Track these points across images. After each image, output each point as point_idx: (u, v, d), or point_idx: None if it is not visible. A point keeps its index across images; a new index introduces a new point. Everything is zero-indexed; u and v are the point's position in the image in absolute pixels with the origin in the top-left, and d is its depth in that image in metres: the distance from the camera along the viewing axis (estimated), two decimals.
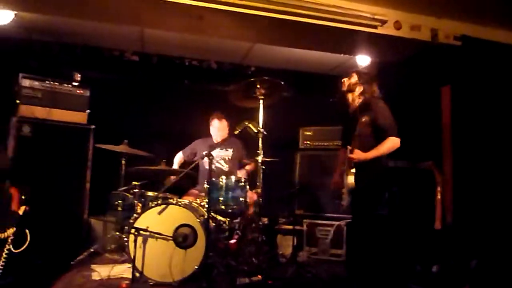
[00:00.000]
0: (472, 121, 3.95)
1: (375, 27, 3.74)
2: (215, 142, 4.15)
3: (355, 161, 2.91)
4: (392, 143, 2.90)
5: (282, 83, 3.44)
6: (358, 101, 3.12)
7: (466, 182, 3.84)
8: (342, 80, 3.24)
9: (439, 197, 3.70)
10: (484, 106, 3.97)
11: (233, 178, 3.53)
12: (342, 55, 4.78)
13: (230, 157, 4.13)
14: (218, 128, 4.15)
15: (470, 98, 3.98)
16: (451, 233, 3.71)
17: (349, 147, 2.97)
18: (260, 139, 3.41)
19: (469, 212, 3.79)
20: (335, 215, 4.24)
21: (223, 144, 4.05)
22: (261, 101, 3.40)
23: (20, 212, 2.79)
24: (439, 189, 3.72)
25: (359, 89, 3.11)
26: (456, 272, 3.41)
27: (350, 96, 3.17)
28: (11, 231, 2.66)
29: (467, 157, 3.89)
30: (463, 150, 3.90)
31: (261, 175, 3.49)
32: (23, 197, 2.86)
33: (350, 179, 2.91)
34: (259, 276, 3.14)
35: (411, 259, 3.63)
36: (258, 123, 3.36)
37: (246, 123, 3.29)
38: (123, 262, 3.46)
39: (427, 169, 3.83)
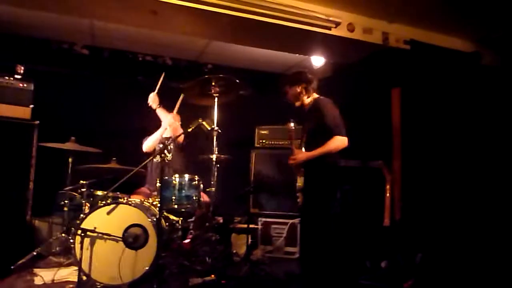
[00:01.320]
0: (420, 122, 4.13)
1: (329, 28, 3.81)
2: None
3: (299, 162, 3.00)
4: (337, 141, 2.94)
5: (238, 81, 3.42)
6: (308, 102, 3.20)
7: (414, 181, 4.01)
8: (285, 95, 3.28)
9: (388, 195, 3.83)
10: (432, 108, 4.17)
11: (186, 176, 3.46)
12: (297, 55, 4.84)
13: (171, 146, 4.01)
14: (168, 123, 4.03)
15: (418, 100, 4.16)
16: (399, 229, 3.86)
17: (293, 147, 3.08)
18: (214, 137, 3.38)
19: (416, 209, 3.96)
20: (289, 213, 4.28)
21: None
22: (216, 99, 3.37)
23: None
24: (388, 187, 3.85)
25: (303, 94, 3.19)
26: (403, 267, 3.55)
27: (298, 103, 3.23)
28: None
29: (415, 156, 4.06)
30: (412, 149, 4.07)
31: (216, 173, 3.46)
32: None
33: (301, 180, 2.95)
34: (213, 276, 3.11)
35: (362, 255, 3.73)
36: (212, 121, 3.32)
37: (200, 120, 3.25)
38: (69, 265, 3.29)
39: (377, 168, 3.96)
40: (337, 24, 3.80)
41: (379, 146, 4.18)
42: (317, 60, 4.77)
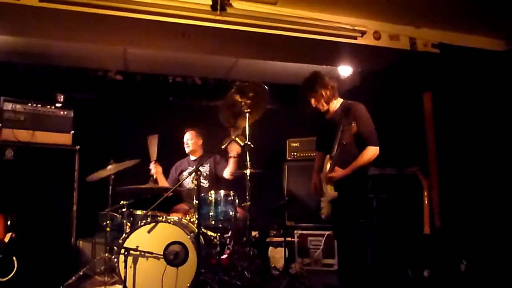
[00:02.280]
0: (454, 125, 4.04)
1: (355, 38, 3.82)
2: (191, 158, 4.20)
3: (336, 179, 2.89)
4: (371, 153, 2.85)
5: (266, 87, 3.42)
6: (335, 106, 3.09)
7: (452, 186, 3.91)
8: (312, 103, 3.14)
9: (426, 202, 3.74)
10: (465, 110, 4.08)
11: (222, 192, 3.52)
12: (324, 66, 4.85)
13: (208, 172, 4.12)
14: (186, 139, 4.20)
15: (451, 103, 4.08)
16: (440, 237, 3.75)
17: (329, 161, 2.93)
18: (247, 152, 3.42)
19: (457, 215, 3.85)
20: (325, 225, 4.25)
21: (202, 159, 4.04)
22: (247, 114, 3.41)
23: (6, 239, 2.73)
24: (425, 193, 3.77)
25: (333, 97, 3.08)
26: (447, 276, 3.44)
27: (325, 107, 3.10)
28: None
29: (451, 160, 3.96)
30: (448, 154, 3.97)
31: (250, 188, 3.49)
32: (8, 223, 2.80)
33: (330, 189, 2.89)
34: None
35: (402, 264, 3.65)
36: (244, 136, 3.37)
37: (233, 137, 3.30)
38: (113, 283, 3.39)
39: (413, 175, 3.88)
40: (363, 33, 3.81)
41: (414, 152, 4.11)
42: (345, 70, 4.77)
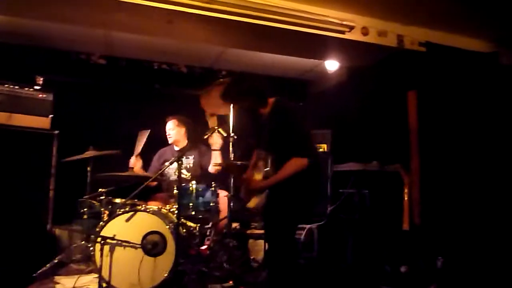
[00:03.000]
0: (437, 124, 4.08)
1: (343, 32, 3.80)
2: (175, 148, 4.10)
3: (252, 191, 2.66)
4: (294, 165, 2.45)
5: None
6: (266, 109, 2.70)
7: (433, 184, 3.96)
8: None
9: (406, 198, 3.78)
10: (449, 109, 4.12)
11: (203, 183, 3.48)
12: (312, 60, 4.83)
13: (191, 165, 4.04)
14: (168, 129, 4.08)
15: (435, 102, 4.11)
16: (418, 233, 3.80)
17: (249, 171, 2.75)
18: (231, 144, 3.39)
19: (436, 213, 3.90)
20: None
21: (186, 150, 3.97)
22: (231, 105, 3.37)
23: None
24: (406, 190, 3.80)
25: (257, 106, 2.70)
26: (424, 272, 3.49)
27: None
28: None
29: (433, 159, 4.01)
30: (430, 152, 4.02)
31: (232, 179, 3.47)
32: None
33: (253, 202, 2.67)
34: (231, 282, 3.11)
35: (381, 260, 3.69)
36: (228, 127, 3.33)
37: (216, 127, 3.26)
38: (89, 272, 3.33)
39: (395, 171, 3.92)
40: (351, 28, 3.79)
41: (396, 149, 4.14)
42: (332, 65, 4.76)
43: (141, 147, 3.97)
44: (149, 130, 4.00)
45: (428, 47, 4.12)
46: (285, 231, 2.52)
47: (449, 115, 4.11)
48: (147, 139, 4.01)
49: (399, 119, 4.17)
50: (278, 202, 2.54)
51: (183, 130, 4.10)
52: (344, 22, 3.75)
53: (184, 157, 3.98)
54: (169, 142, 4.12)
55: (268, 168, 2.65)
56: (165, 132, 4.12)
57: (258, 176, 2.69)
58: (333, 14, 3.75)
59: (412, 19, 3.99)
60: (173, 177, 3.88)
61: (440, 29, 4.18)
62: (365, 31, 3.92)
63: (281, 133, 2.55)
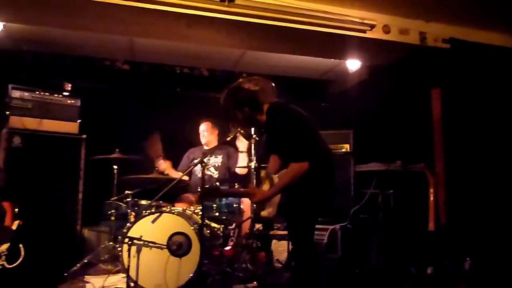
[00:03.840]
0: (462, 122, 3.99)
1: (364, 31, 3.77)
2: (205, 148, 4.19)
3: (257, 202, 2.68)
4: (294, 170, 2.41)
5: (269, 81, 3.41)
6: (263, 116, 2.65)
7: (459, 183, 3.87)
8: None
9: (431, 198, 3.71)
10: (474, 107, 4.02)
11: (226, 184, 3.52)
12: (332, 59, 4.81)
13: (219, 164, 4.12)
14: (202, 131, 4.19)
15: (460, 99, 4.02)
16: (445, 234, 3.73)
17: (250, 185, 2.80)
18: (253, 145, 3.42)
19: (463, 213, 3.82)
20: (329, 219, 4.24)
21: (214, 150, 4.04)
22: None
23: (14, 227, 2.76)
24: (431, 190, 3.74)
25: (254, 115, 2.63)
26: (451, 273, 3.42)
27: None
28: (4, 247, 2.63)
29: (458, 157, 3.93)
30: (455, 151, 3.94)
31: (255, 181, 3.49)
32: (16, 211, 2.83)
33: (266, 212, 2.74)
34: (255, 283, 3.13)
35: (406, 261, 3.64)
36: (250, 129, 3.35)
37: (239, 128, 3.29)
38: (117, 272, 3.42)
39: (419, 171, 3.85)
40: (372, 26, 3.76)
41: (420, 148, 4.07)
42: (353, 64, 4.73)
43: (160, 149, 4.03)
44: (159, 132, 4.06)
45: (452, 43, 4.04)
46: (301, 231, 2.52)
47: (475, 112, 4.01)
48: (169, 141, 4.09)
49: (423, 117, 4.10)
50: (292, 202, 2.54)
51: (216, 131, 4.22)
52: (365, 21, 3.72)
53: (213, 156, 4.09)
54: (202, 142, 4.22)
55: (265, 171, 2.66)
56: (189, 134, 4.21)
57: (266, 186, 2.70)
58: (353, 13, 3.72)
59: (434, 15, 3.92)
60: (200, 174, 3.97)
61: (464, 24, 4.09)
62: (386, 29, 3.88)
63: (277, 139, 2.56)
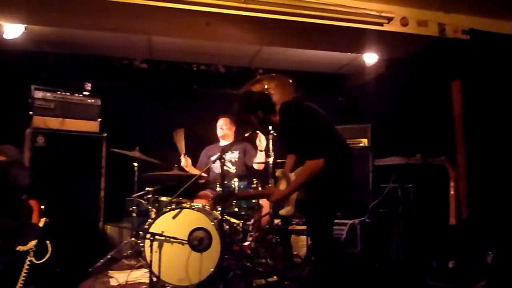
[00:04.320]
0: (483, 114, 3.92)
1: (381, 24, 3.73)
2: (221, 144, 4.24)
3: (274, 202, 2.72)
4: (309, 168, 2.43)
5: (290, 80, 3.42)
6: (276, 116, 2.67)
7: (480, 176, 3.81)
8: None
9: (452, 192, 3.67)
10: (495, 99, 3.94)
11: (245, 180, 3.55)
12: (349, 53, 4.78)
13: (236, 159, 4.16)
14: (220, 125, 4.26)
15: (480, 91, 3.95)
16: (466, 228, 3.68)
17: (267, 186, 2.84)
18: (271, 141, 3.43)
19: (484, 206, 3.76)
20: (348, 214, 4.23)
21: (232, 146, 4.07)
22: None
23: (41, 224, 2.84)
24: (452, 184, 3.69)
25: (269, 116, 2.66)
26: (473, 267, 3.38)
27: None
28: (32, 243, 2.71)
29: (480, 150, 3.86)
30: (476, 144, 3.87)
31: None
32: (42, 207, 2.91)
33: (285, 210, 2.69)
34: (275, 277, 3.15)
35: (427, 255, 3.61)
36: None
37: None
38: (139, 267, 3.49)
39: (440, 165, 3.81)
40: (390, 19, 3.72)
41: (440, 141, 4.02)
42: (370, 58, 4.69)
43: (183, 146, 4.10)
44: (183, 129, 4.12)
45: (472, 34, 3.96)
46: (321, 226, 2.53)
47: (496, 104, 3.93)
48: (186, 137, 4.14)
49: (443, 110, 4.04)
50: (311, 198, 2.56)
51: (233, 128, 4.28)
52: (383, 14, 3.69)
53: (230, 151, 4.12)
54: (219, 135, 4.28)
55: (281, 170, 2.70)
56: (207, 131, 4.26)
57: (283, 185, 2.71)
58: (370, 6, 3.69)
59: (453, 6, 3.86)
60: (219, 170, 4.01)
61: (484, 15, 4.01)
62: (404, 22, 3.83)
63: (291, 137, 2.61)
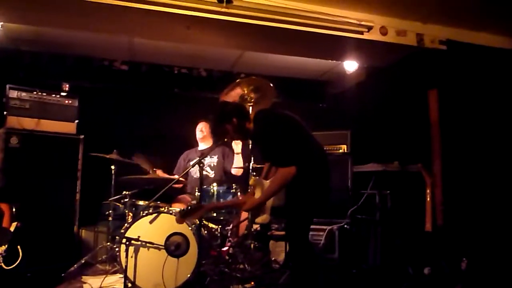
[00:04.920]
0: (459, 123, 4.01)
1: (361, 33, 3.78)
2: (200, 148, 4.22)
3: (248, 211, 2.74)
4: (282, 176, 2.47)
5: (271, 84, 3.43)
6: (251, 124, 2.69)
7: (455, 184, 3.89)
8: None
9: (428, 199, 3.73)
10: (471, 108, 4.05)
11: (224, 185, 3.53)
12: (330, 61, 4.83)
13: (215, 164, 4.13)
14: (199, 128, 4.24)
15: (457, 100, 4.05)
16: (441, 234, 3.75)
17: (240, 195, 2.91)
18: (250, 146, 3.43)
19: (459, 213, 3.84)
20: (327, 220, 4.25)
21: (210, 150, 4.05)
22: (250, 108, 3.41)
23: (12, 228, 2.76)
24: (428, 191, 3.75)
25: (243, 124, 2.66)
26: (448, 274, 3.43)
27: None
28: (2, 248, 2.62)
29: (455, 158, 3.95)
30: (452, 151, 3.96)
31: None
32: (13, 212, 2.83)
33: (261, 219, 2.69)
34: (252, 283, 3.14)
35: (403, 261, 3.65)
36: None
37: None
38: (114, 272, 3.42)
39: (417, 172, 3.87)
40: (369, 28, 3.78)
41: (417, 149, 4.09)
42: (351, 65, 4.75)
43: (148, 164, 3.88)
44: (140, 153, 3.93)
45: (449, 45, 4.06)
46: (298, 231, 2.55)
47: (472, 113, 4.04)
48: (167, 140, 4.08)
49: (420, 118, 4.12)
50: (288, 204, 2.57)
51: None
52: (363, 22, 3.74)
53: (208, 156, 4.09)
54: (199, 137, 4.25)
55: (255, 178, 2.72)
56: (187, 134, 4.23)
57: (258, 193, 2.71)
58: (351, 15, 3.74)
59: (431, 17, 3.94)
60: (197, 175, 3.96)
61: (461, 26, 4.12)
62: (384, 31, 3.90)
63: (264, 145, 2.62)
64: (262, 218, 2.66)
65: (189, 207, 2.66)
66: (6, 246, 2.64)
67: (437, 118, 4.05)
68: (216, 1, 3.31)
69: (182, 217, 2.66)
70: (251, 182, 2.76)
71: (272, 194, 2.54)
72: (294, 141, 2.54)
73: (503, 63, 4.18)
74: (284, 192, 2.57)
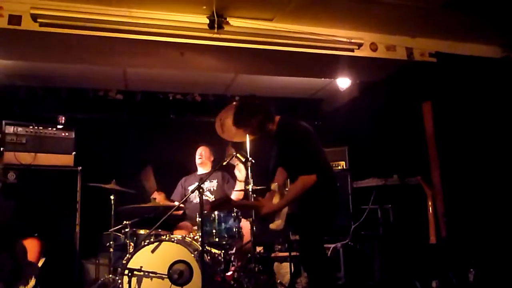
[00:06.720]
0: (455, 133, 4.03)
1: (352, 50, 3.84)
2: (199, 174, 4.21)
3: (266, 215, 2.73)
4: (302, 183, 2.53)
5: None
6: (272, 128, 2.78)
7: (456, 194, 3.88)
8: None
9: (430, 211, 3.72)
10: (465, 117, 4.08)
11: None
12: (323, 79, 4.88)
13: (215, 188, 4.12)
14: (199, 153, 4.25)
15: (450, 111, 4.08)
16: (446, 246, 3.72)
17: (260, 198, 2.92)
18: (249, 168, 3.42)
19: (462, 224, 3.82)
20: (331, 237, 4.22)
21: (209, 175, 4.04)
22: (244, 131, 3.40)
23: (40, 263, 2.70)
24: (429, 203, 3.75)
25: (266, 123, 2.74)
26: (456, 286, 3.39)
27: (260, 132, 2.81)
28: (31, 283, 2.56)
29: (454, 168, 3.95)
30: (450, 162, 3.96)
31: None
32: (43, 246, 2.76)
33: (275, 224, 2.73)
34: None
35: (410, 276, 3.61)
36: (246, 152, 3.37)
37: (234, 153, 3.30)
38: None
39: (416, 184, 3.87)
40: (360, 45, 3.84)
41: (415, 161, 4.10)
42: (343, 82, 4.80)
43: (153, 182, 3.99)
44: (151, 167, 4.03)
45: (438, 57, 4.13)
46: (314, 239, 2.60)
47: (466, 123, 4.06)
48: (165, 166, 4.08)
49: (416, 130, 4.14)
50: (306, 212, 2.62)
51: (212, 157, 4.29)
52: (353, 40, 3.80)
53: (208, 180, 4.07)
54: (198, 163, 4.25)
55: (276, 183, 2.76)
56: (184, 159, 4.23)
57: (276, 199, 2.73)
58: (341, 34, 3.80)
59: (420, 31, 4.01)
60: (197, 200, 3.94)
61: (449, 38, 4.19)
62: (374, 47, 3.96)
63: (288, 151, 2.67)
64: (277, 224, 2.70)
65: (219, 199, 2.82)
66: (35, 281, 2.58)
67: (432, 129, 4.07)
68: (207, 27, 3.35)
69: (212, 208, 2.83)
70: (272, 187, 2.80)
71: (291, 200, 2.60)
72: (315, 151, 2.64)
73: (492, 71, 4.24)
74: (300, 200, 2.61)
